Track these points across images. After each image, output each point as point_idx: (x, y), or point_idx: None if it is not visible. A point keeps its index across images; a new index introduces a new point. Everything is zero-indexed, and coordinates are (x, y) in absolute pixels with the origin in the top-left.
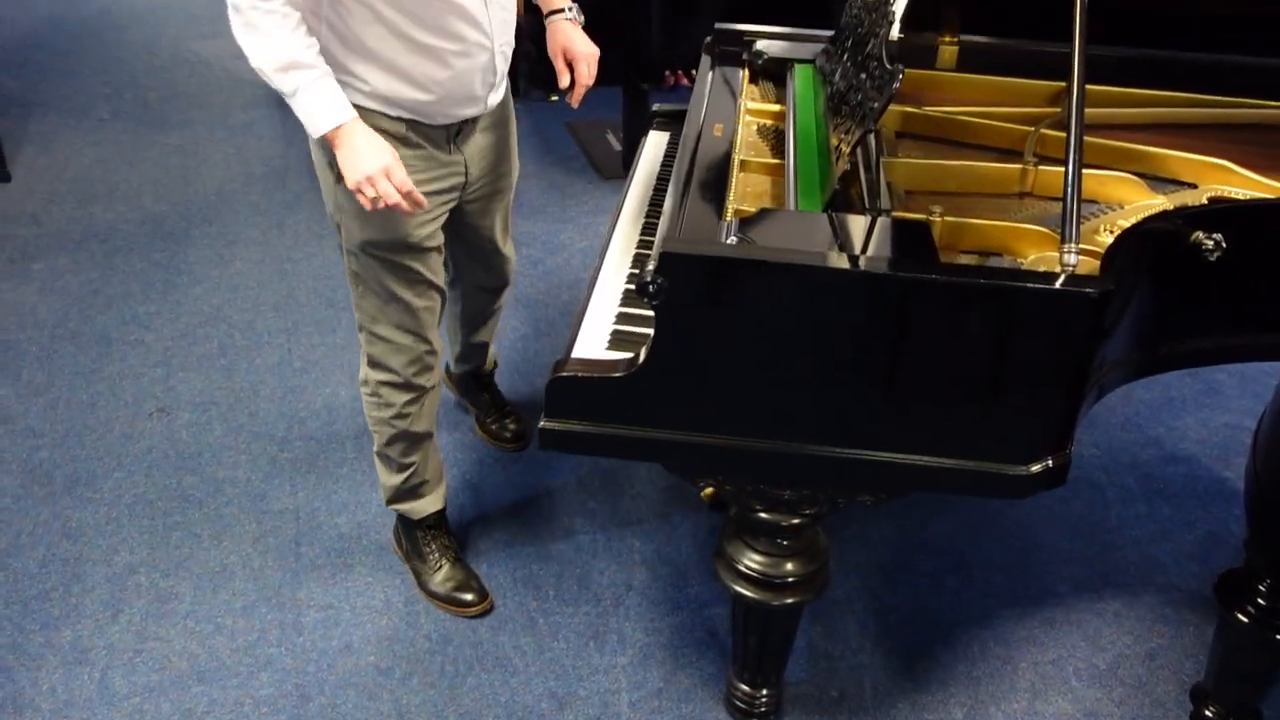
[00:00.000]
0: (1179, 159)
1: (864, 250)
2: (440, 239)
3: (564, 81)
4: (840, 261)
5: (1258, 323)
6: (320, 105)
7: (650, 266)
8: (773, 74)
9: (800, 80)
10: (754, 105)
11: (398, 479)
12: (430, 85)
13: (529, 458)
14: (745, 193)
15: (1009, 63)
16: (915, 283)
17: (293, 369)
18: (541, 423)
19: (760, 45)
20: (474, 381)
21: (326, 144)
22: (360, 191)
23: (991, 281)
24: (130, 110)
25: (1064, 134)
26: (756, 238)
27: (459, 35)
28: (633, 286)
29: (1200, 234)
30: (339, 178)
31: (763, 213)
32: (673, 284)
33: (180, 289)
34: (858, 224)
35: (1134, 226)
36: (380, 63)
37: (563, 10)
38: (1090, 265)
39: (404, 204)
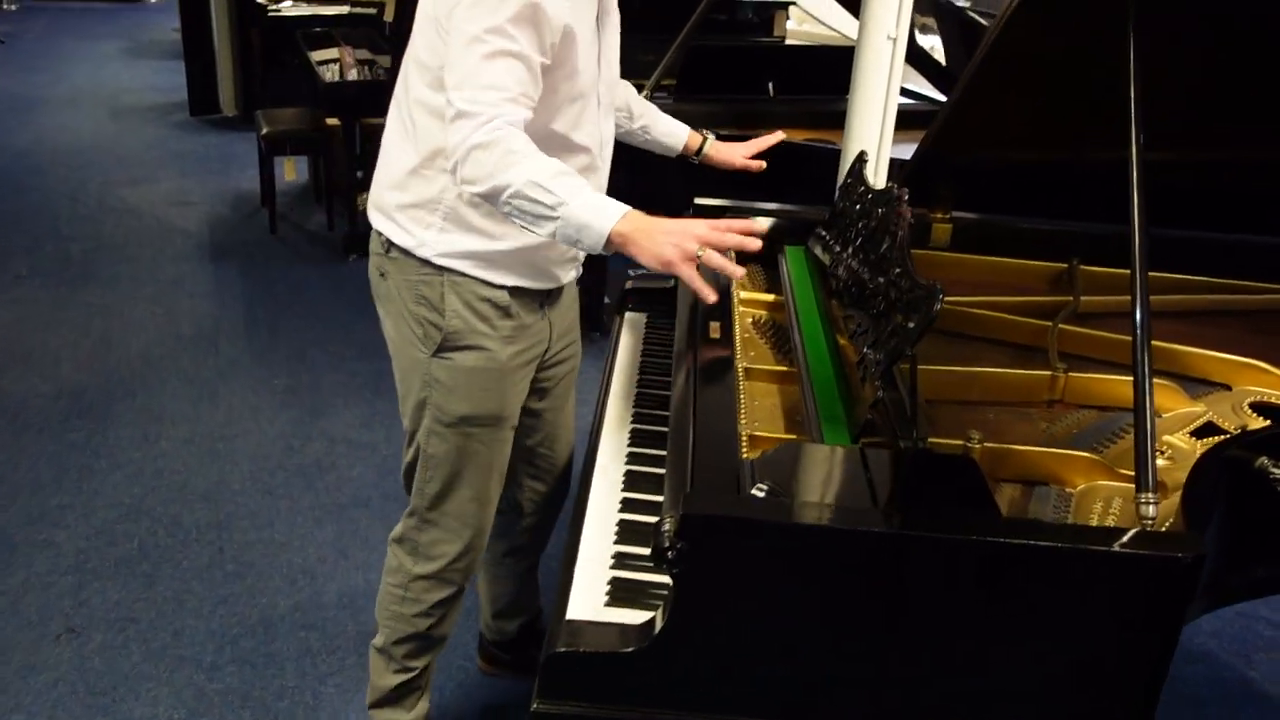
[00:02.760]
0: (1209, 358)
1: (912, 500)
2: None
3: (758, 163)
4: (892, 523)
5: None
6: (601, 200)
7: (667, 528)
8: (758, 256)
9: (793, 266)
10: (746, 295)
11: (393, 681)
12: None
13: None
14: (755, 407)
15: (1003, 240)
16: (978, 545)
17: (224, 574)
18: (535, 705)
19: None
20: (529, 638)
21: (424, 317)
22: (687, 259)
23: (1071, 545)
24: (50, 265)
25: (1081, 330)
26: (785, 485)
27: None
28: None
29: (1266, 460)
30: (437, 350)
31: (787, 449)
32: (695, 549)
33: (98, 476)
34: (898, 464)
35: (1206, 457)
36: None
37: (707, 139)
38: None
39: (748, 241)
